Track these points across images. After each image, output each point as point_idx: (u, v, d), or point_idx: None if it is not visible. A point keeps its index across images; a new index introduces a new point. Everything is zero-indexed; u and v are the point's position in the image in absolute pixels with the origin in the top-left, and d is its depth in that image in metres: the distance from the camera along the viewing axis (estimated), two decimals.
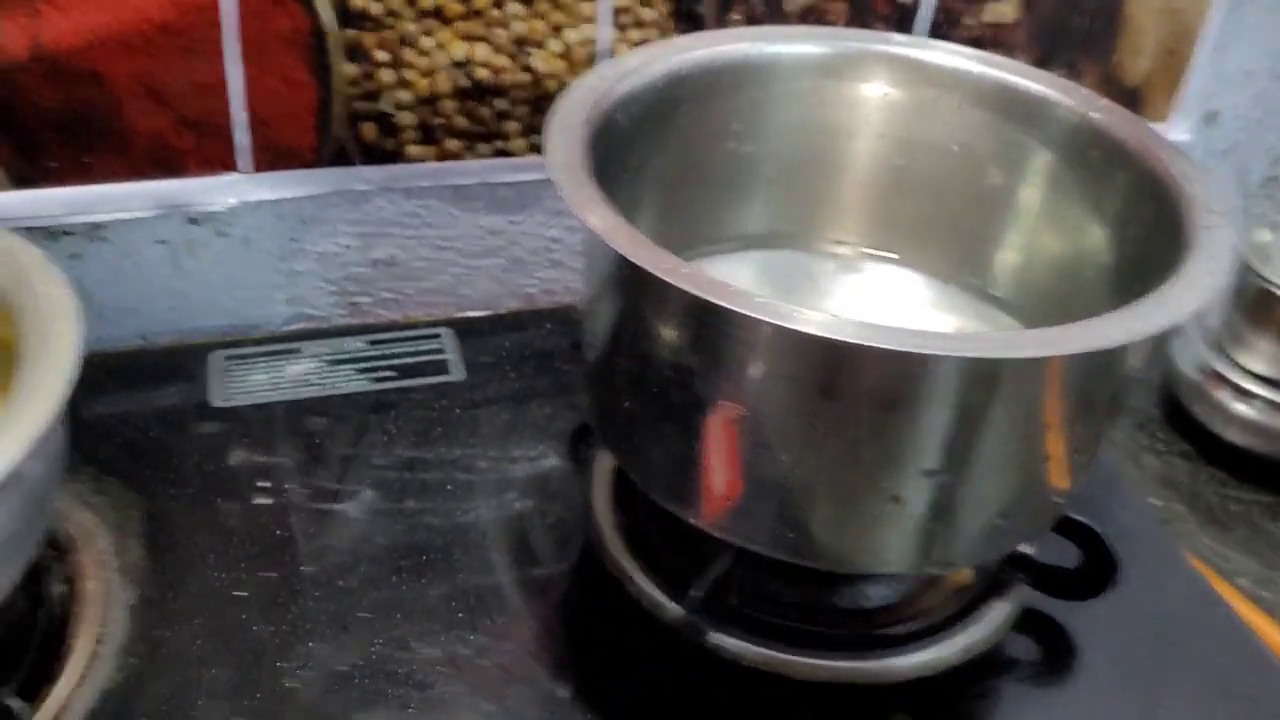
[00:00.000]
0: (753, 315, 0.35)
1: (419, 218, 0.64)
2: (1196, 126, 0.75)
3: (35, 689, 0.42)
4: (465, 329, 0.64)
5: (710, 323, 0.38)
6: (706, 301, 0.36)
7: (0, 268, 0.41)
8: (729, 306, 0.35)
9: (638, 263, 0.37)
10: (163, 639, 0.45)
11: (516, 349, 0.62)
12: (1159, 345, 0.65)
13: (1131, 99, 0.73)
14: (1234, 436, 0.71)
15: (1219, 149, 0.78)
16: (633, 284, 0.40)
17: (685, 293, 0.36)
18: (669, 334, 0.39)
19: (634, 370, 0.42)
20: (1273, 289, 0.67)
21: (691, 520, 0.43)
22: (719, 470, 0.41)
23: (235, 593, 0.47)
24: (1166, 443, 0.74)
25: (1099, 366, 0.37)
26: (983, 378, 0.36)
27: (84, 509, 0.49)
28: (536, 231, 0.67)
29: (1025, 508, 0.41)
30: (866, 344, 0.35)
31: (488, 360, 0.61)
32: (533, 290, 0.69)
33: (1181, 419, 0.74)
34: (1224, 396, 0.71)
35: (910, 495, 0.39)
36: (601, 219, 0.39)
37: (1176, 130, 0.75)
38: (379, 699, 0.43)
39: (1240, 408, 0.70)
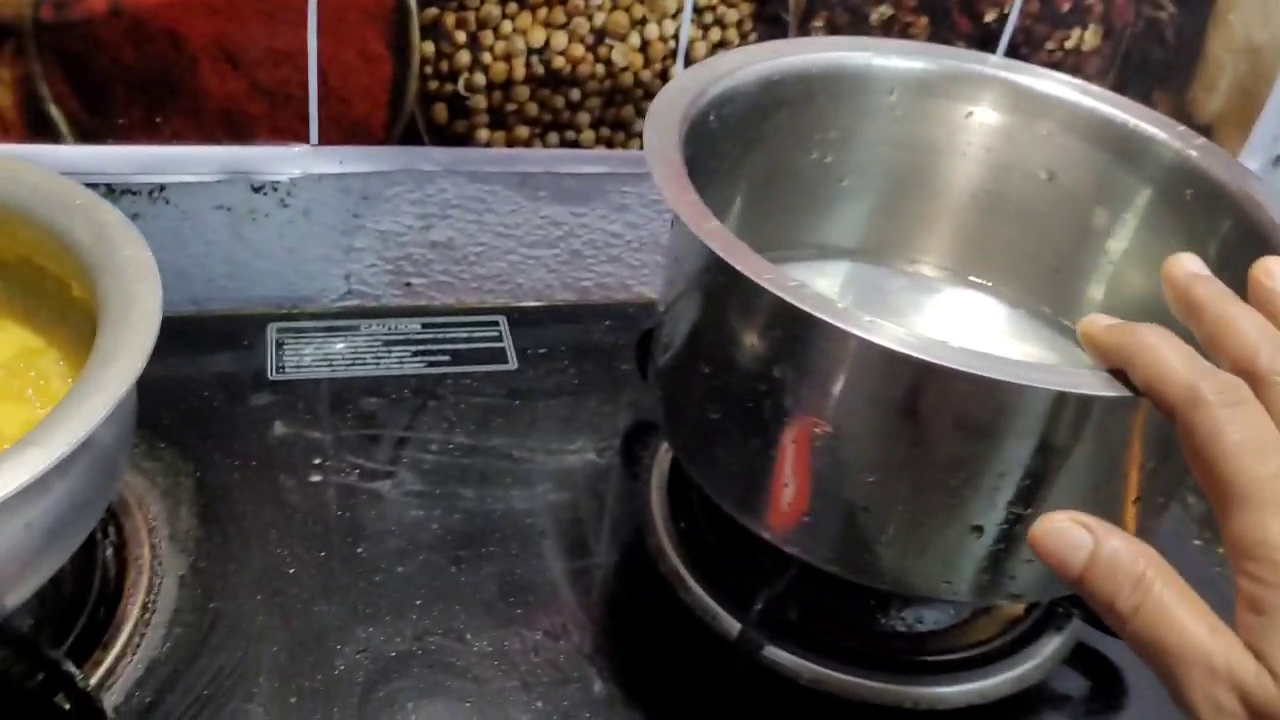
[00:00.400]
0: (846, 329, 0.34)
1: (483, 203, 0.64)
2: (1265, 168, 0.74)
3: (86, 653, 0.41)
4: (519, 318, 0.63)
5: (801, 333, 0.37)
6: (801, 311, 0.35)
7: (82, 228, 0.40)
8: (824, 318, 0.35)
9: (735, 265, 0.36)
10: (213, 610, 0.44)
11: (572, 342, 0.62)
12: None
13: (1203, 135, 0.72)
14: None
15: None
16: (724, 287, 0.39)
17: (779, 300, 0.35)
18: (756, 341, 0.39)
19: (713, 375, 0.41)
20: None
21: (762, 533, 0.42)
22: (795, 485, 0.40)
23: (287, 570, 0.46)
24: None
25: None
26: (1073, 413, 0.36)
27: (136, 474, 0.49)
28: (598, 225, 0.66)
29: None
30: (961, 369, 0.34)
31: (542, 351, 0.61)
32: (588, 284, 0.68)
33: None
34: None
35: (988, 526, 0.38)
36: (699, 218, 0.38)
37: None
38: (435, 689, 0.42)
39: None
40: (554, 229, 0.66)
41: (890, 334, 0.34)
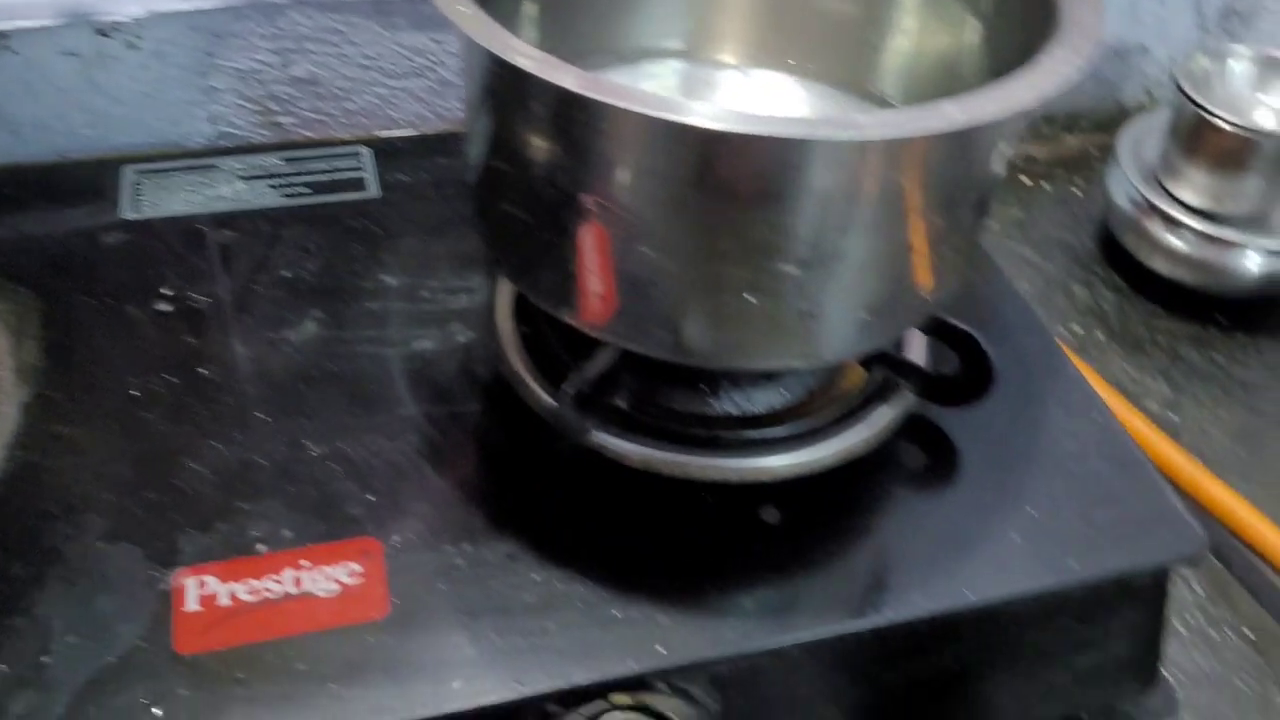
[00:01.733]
0: (619, 105, 0.35)
1: (340, 34, 0.63)
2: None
3: None
4: (386, 149, 0.63)
5: (575, 115, 0.37)
6: (571, 93, 0.35)
7: None
8: (594, 97, 0.35)
9: (501, 56, 0.36)
10: (57, 434, 0.46)
11: (437, 171, 0.62)
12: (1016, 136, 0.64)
13: None
14: (1163, 268, 0.71)
15: None
16: (501, 83, 0.39)
17: (551, 86, 0.35)
18: (536, 130, 0.39)
19: (508, 173, 0.42)
20: (1207, 117, 0.66)
21: (569, 320, 0.43)
22: (592, 268, 0.41)
23: (133, 393, 0.48)
24: (1100, 275, 0.74)
25: (954, 152, 0.37)
26: (829, 162, 0.36)
27: None
28: None
29: (891, 303, 0.42)
30: (725, 129, 0.34)
31: (405, 180, 0.61)
32: (461, 114, 0.68)
33: (1115, 252, 0.74)
34: (1155, 228, 0.70)
35: (776, 287, 0.39)
36: (466, 14, 0.38)
37: None
38: (276, 494, 0.44)
39: (1171, 239, 0.70)
40: (418, 58, 0.66)
41: (650, 102, 0.35)
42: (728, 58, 0.53)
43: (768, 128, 0.35)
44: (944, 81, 0.47)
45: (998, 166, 0.41)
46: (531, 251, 0.43)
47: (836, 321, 0.41)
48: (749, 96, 0.52)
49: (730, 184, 0.37)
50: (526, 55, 0.36)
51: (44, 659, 0.38)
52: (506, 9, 0.41)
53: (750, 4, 0.51)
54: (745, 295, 0.39)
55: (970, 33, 0.45)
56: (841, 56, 0.50)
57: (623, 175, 0.38)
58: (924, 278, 0.42)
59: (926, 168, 0.37)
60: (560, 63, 0.36)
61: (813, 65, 0.51)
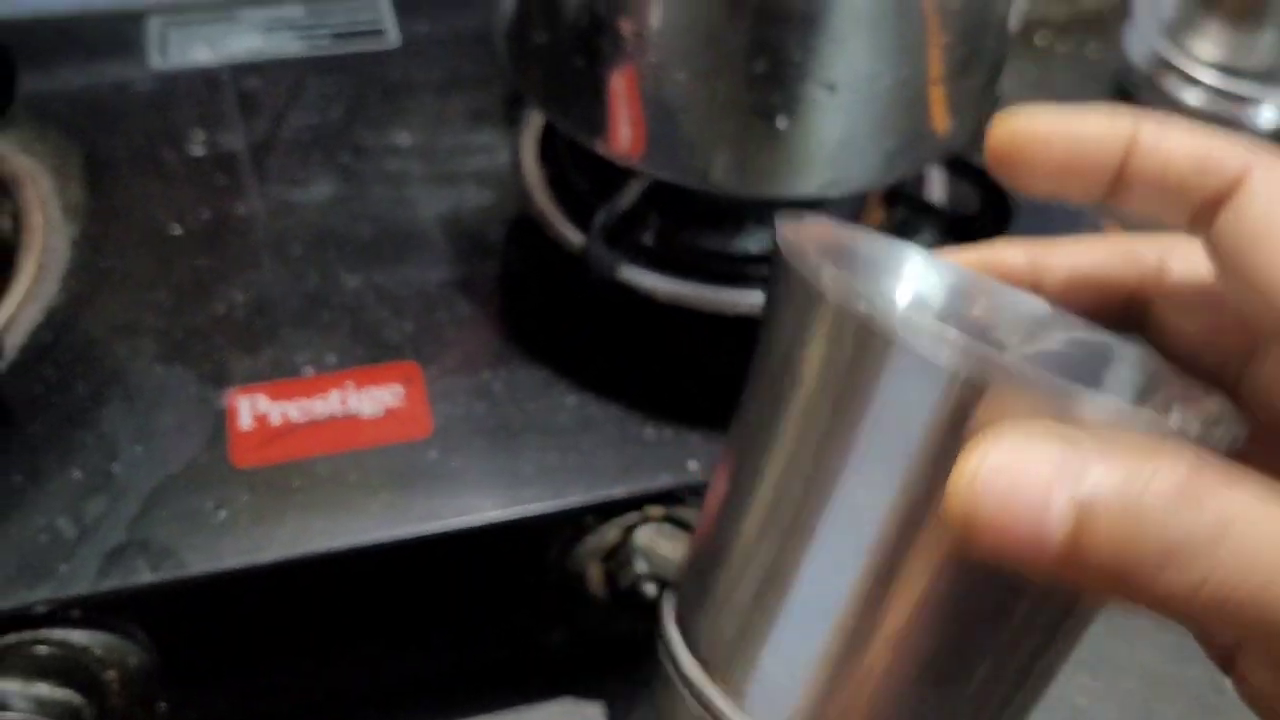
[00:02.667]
0: None
1: None
2: None
3: None
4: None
5: None
6: None
7: None
8: None
9: None
10: (104, 267, 0.47)
11: (457, 21, 0.62)
12: None
13: None
14: None
15: None
16: None
17: None
18: None
19: (541, 3, 0.43)
20: None
21: (602, 151, 0.44)
22: (624, 96, 0.42)
23: (172, 232, 0.49)
24: None
25: None
26: None
27: (26, 155, 0.51)
28: None
29: (915, 135, 0.43)
30: None
31: (424, 30, 0.61)
32: None
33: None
34: (1172, 85, 0.71)
35: (806, 112, 0.40)
36: None
37: None
38: (310, 321, 0.46)
39: (1186, 96, 0.70)
40: None
41: None
42: None
43: None
44: None
45: (1014, 10, 0.42)
46: (564, 82, 0.44)
47: (863, 150, 0.42)
48: None
49: (762, 4, 0.38)
50: None
51: (113, 467, 0.40)
52: None
53: None
54: (776, 121, 0.40)
55: None
56: None
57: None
58: (947, 111, 0.43)
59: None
60: None
61: None
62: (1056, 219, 0.54)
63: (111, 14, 0.61)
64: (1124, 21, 0.74)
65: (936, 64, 0.40)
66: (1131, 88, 0.74)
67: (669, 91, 0.41)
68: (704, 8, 0.38)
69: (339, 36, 0.60)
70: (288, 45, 0.59)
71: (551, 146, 0.53)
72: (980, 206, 0.49)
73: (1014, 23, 0.42)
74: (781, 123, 0.40)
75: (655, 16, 0.39)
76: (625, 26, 0.40)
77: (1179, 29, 0.71)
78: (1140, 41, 0.72)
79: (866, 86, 0.40)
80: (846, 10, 0.37)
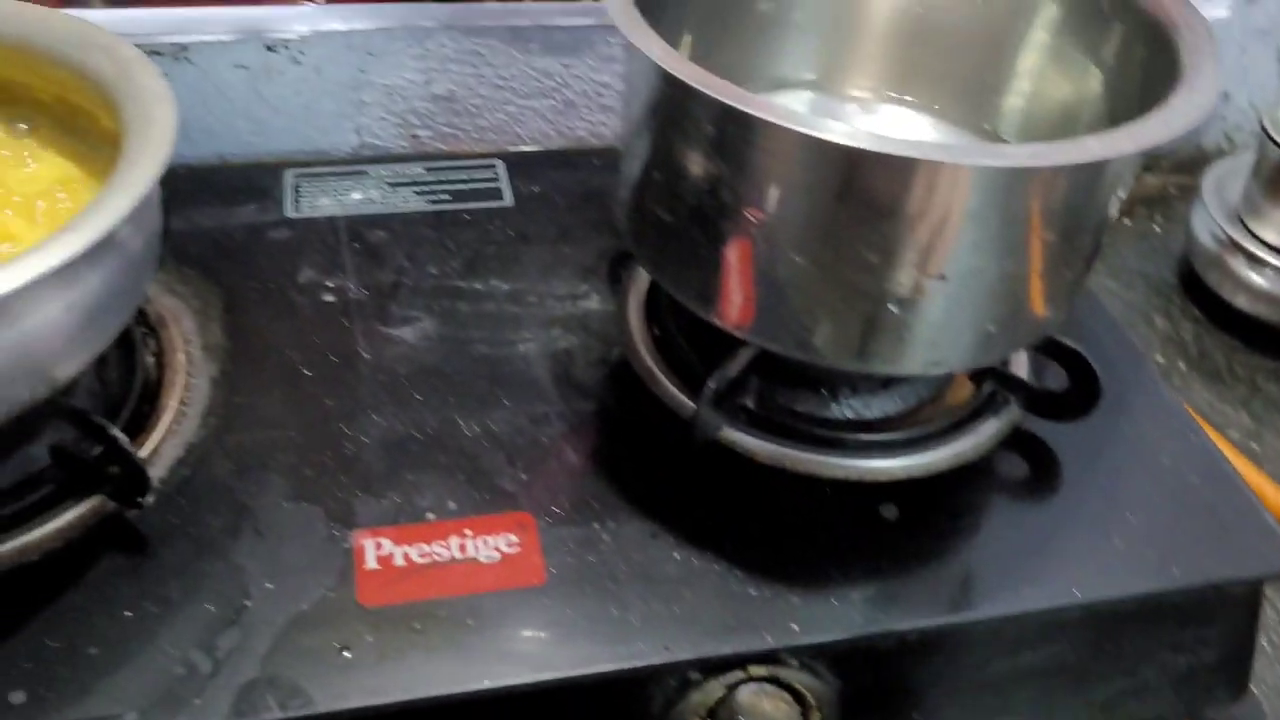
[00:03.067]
0: (778, 123, 0.39)
1: (479, 56, 0.68)
2: (1235, 3, 0.76)
3: (132, 437, 0.48)
4: (517, 162, 0.68)
5: (737, 131, 0.42)
6: (734, 109, 0.40)
7: (105, 63, 0.46)
8: (755, 114, 0.39)
9: (673, 72, 0.41)
10: (240, 405, 0.50)
11: (565, 183, 0.67)
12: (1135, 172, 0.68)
13: None
14: (1244, 304, 0.74)
15: (1258, 27, 0.79)
16: (669, 98, 0.44)
17: (715, 101, 0.40)
18: (697, 144, 0.43)
19: (666, 181, 0.46)
20: None
21: (716, 322, 0.47)
22: (740, 273, 0.45)
23: (305, 371, 0.52)
24: (1180, 307, 0.77)
25: (1078, 182, 0.41)
26: (974, 186, 0.40)
27: (170, 295, 0.55)
28: (588, 76, 0.70)
29: (1014, 321, 0.46)
30: (878, 150, 0.38)
31: (536, 190, 0.66)
32: (582, 133, 0.73)
33: (1196, 287, 0.77)
34: (1238, 265, 0.74)
35: (909, 296, 0.43)
36: (643, 33, 0.42)
37: (1215, 6, 0.76)
38: (432, 465, 0.49)
39: (1253, 276, 0.73)
40: (547, 80, 0.70)
41: (806, 121, 0.39)
42: (855, 91, 0.57)
43: (924, 152, 0.39)
44: (1060, 126, 0.51)
45: (1116, 200, 0.45)
46: (681, 254, 0.47)
47: (966, 334, 0.45)
48: (876, 127, 0.56)
49: (881, 202, 0.41)
50: (706, 80, 0.40)
51: (246, 603, 0.43)
52: (668, 39, 0.46)
53: (881, 42, 0.55)
54: (887, 305, 0.43)
55: (1091, 81, 0.49)
56: (963, 96, 0.54)
57: (777, 189, 0.42)
58: (1045, 299, 0.45)
59: (1061, 196, 0.41)
60: (732, 85, 0.40)
61: (934, 103, 0.55)
62: (1140, 404, 0.56)
63: (249, 165, 0.66)
64: (1189, 200, 0.77)
65: (1039, 258, 0.43)
66: (1198, 266, 0.77)
67: (784, 272, 0.44)
68: (827, 203, 0.41)
69: (457, 195, 0.64)
70: (410, 201, 0.63)
71: (655, 306, 0.56)
72: (1069, 385, 0.51)
73: (1113, 215, 0.45)
74: (893, 308, 0.43)
75: (780, 207, 0.42)
76: (750, 213, 0.43)
77: (1246, 212, 0.74)
78: (1207, 222, 0.75)
79: (974, 278, 0.43)
80: (961, 209, 0.40)
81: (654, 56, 0.41)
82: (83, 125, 0.49)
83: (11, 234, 0.46)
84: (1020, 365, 0.55)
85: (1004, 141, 0.55)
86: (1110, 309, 0.75)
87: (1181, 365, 0.72)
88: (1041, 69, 0.51)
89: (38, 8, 0.48)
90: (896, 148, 0.38)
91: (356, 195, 0.63)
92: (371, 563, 0.45)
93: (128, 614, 0.42)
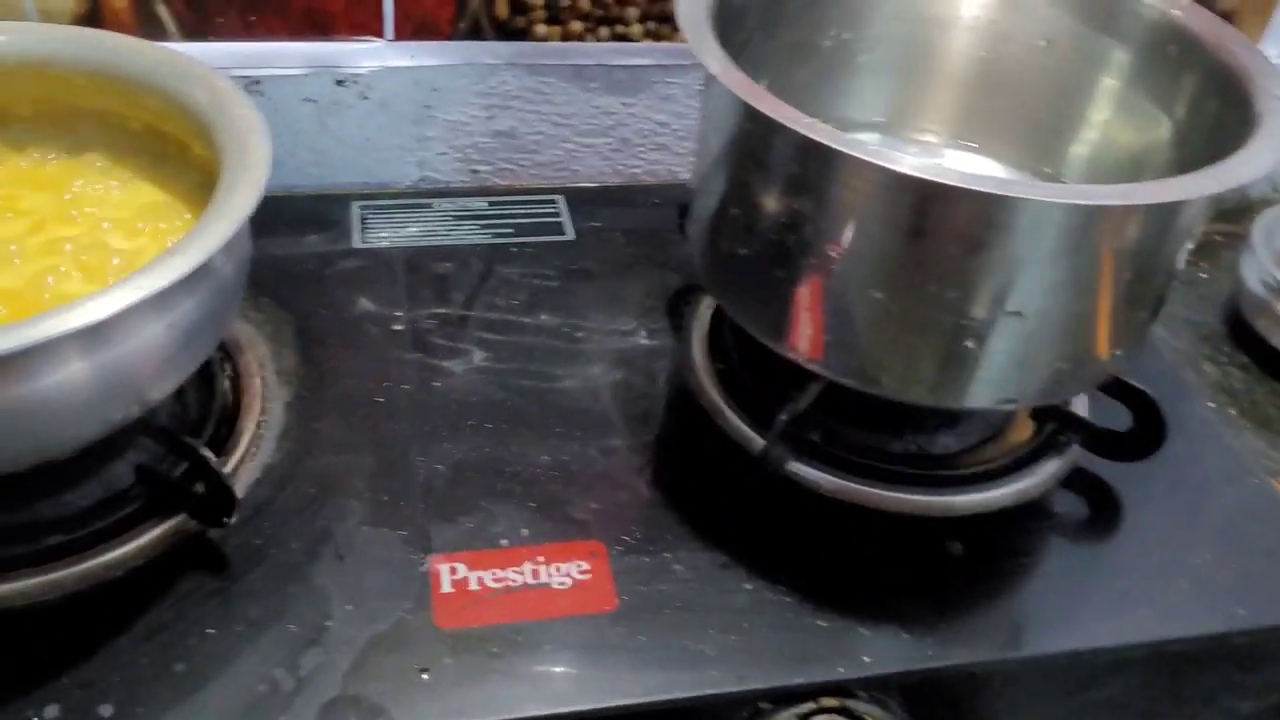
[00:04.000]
0: (862, 158, 0.40)
1: (540, 94, 0.70)
2: None
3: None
4: (575, 198, 0.69)
5: (820, 167, 0.42)
6: (821, 145, 0.41)
7: (200, 93, 0.47)
8: (839, 148, 0.40)
9: (759, 108, 0.42)
10: (314, 429, 0.51)
11: (623, 218, 0.68)
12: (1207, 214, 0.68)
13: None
14: None
15: None
16: (751, 133, 0.45)
17: (802, 137, 0.41)
18: (779, 178, 0.44)
19: (741, 216, 0.47)
20: None
21: (789, 355, 0.48)
22: (813, 306, 0.46)
23: (375, 399, 0.53)
24: (1228, 354, 0.77)
25: (1157, 223, 0.42)
26: (1052, 224, 0.41)
27: (245, 321, 0.56)
28: (646, 115, 0.72)
29: (1085, 360, 0.46)
30: (960, 186, 0.39)
31: (597, 225, 0.67)
32: (638, 170, 0.74)
33: (1245, 333, 0.77)
34: None
35: (984, 333, 0.43)
36: (731, 73, 0.44)
37: (1266, 50, 0.77)
38: (505, 494, 0.49)
39: None
40: (606, 118, 0.72)
41: (886, 156, 0.40)
42: (920, 135, 0.58)
43: (1010, 189, 0.40)
44: (1126, 173, 0.52)
45: (1188, 243, 0.45)
46: (757, 289, 0.48)
47: (1037, 371, 0.46)
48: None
49: (962, 238, 0.42)
50: (791, 116, 0.41)
51: (327, 623, 0.43)
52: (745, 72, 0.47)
53: (948, 87, 0.56)
54: (964, 341, 0.44)
55: (1160, 130, 0.50)
56: (1028, 142, 0.56)
57: (856, 224, 0.43)
58: (1116, 340, 0.46)
59: (1140, 236, 0.42)
60: (817, 122, 0.41)
61: (1000, 148, 0.56)
62: (1197, 447, 0.56)
63: (315, 196, 0.67)
64: (1234, 247, 0.78)
65: (1114, 298, 0.44)
66: (1247, 313, 0.77)
67: (859, 306, 0.45)
68: (906, 238, 0.42)
69: (520, 228, 0.65)
70: (474, 234, 0.64)
71: (719, 341, 0.57)
72: (1133, 425, 0.52)
73: (1182, 262, 0.45)
74: (968, 344, 0.44)
75: (858, 241, 0.43)
76: (828, 248, 0.44)
77: None
78: (1257, 269, 0.76)
79: (1050, 316, 0.43)
80: (1042, 247, 0.41)
81: (740, 92, 0.43)
82: (173, 154, 0.50)
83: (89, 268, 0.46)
84: (1080, 404, 0.56)
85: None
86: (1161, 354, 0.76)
87: (1232, 412, 0.72)
88: (1109, 117, 0.52)
89: (132, 39, 0.49)
90: (978, 183, 0.39)
91: (421, 227, 0.64)
92: (447, 587, 0.45)
93: (211, 631, 0.43)
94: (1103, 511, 0.53)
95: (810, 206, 0.43)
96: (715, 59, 0.44)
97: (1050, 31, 0.53)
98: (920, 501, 0.50)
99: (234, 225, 0.40)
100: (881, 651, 0.45)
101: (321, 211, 0.65)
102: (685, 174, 0.74)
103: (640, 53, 0.69)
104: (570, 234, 0.66)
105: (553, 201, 0.68)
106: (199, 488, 0.45)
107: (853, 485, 0.50)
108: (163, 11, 0.61)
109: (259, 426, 0.51)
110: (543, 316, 0.59)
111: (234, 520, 0.45)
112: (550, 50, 0.68)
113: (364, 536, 0.47)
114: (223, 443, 0.50)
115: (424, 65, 0.67)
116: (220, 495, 0.44)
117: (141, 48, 0.49)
